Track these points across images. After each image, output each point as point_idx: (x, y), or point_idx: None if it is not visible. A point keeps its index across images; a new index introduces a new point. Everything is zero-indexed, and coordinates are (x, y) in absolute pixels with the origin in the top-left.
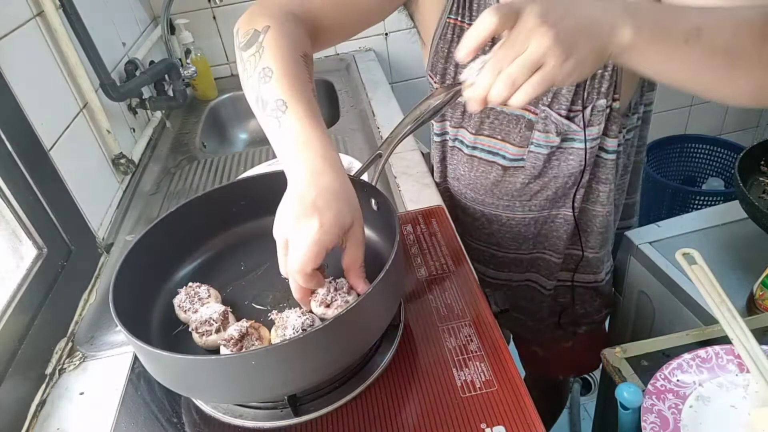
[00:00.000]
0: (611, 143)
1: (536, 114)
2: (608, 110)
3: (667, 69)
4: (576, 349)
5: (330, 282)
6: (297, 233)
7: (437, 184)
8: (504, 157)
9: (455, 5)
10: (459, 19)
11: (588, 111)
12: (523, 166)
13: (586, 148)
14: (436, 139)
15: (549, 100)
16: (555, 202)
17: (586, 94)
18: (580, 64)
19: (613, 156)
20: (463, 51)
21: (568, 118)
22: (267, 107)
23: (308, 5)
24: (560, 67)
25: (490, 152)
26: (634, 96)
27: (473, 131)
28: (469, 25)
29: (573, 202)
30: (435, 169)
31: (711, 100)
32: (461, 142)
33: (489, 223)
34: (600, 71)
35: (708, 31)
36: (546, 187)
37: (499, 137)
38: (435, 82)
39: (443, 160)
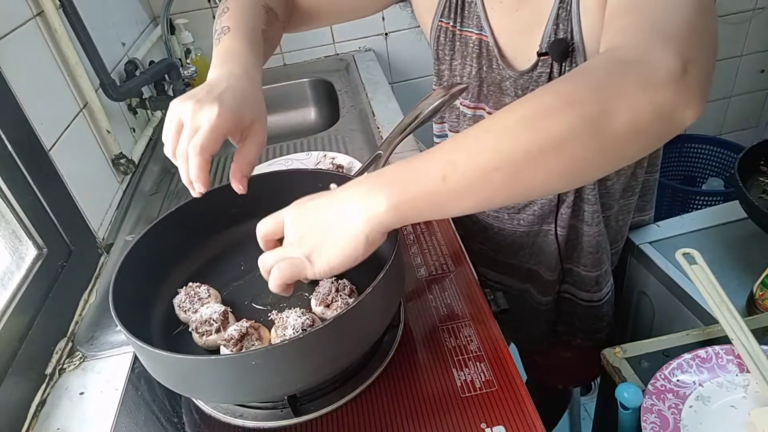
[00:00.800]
0: None
1: None
2: None
3: (448, 211)
4: (575, 361)
5: (332, 282)
6: (195, 116)
7: None
8: None
9: (446, 9)
10: (451, 24)
11: None
12: None
13: None
14: (437, 140)
15: None
16: (543, 218)
17: None
18: (325, 255)
19: None
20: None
21: None
22: (215, 33)
23: None
24: (302, 260)
25: None
26: None
27: None
28: (461, 31)
29: (556, 218)
30: None
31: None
32: None
33: (484, 229)
34: None
35: (462, 160)
36: (533, 201)
37: None
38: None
39: None
